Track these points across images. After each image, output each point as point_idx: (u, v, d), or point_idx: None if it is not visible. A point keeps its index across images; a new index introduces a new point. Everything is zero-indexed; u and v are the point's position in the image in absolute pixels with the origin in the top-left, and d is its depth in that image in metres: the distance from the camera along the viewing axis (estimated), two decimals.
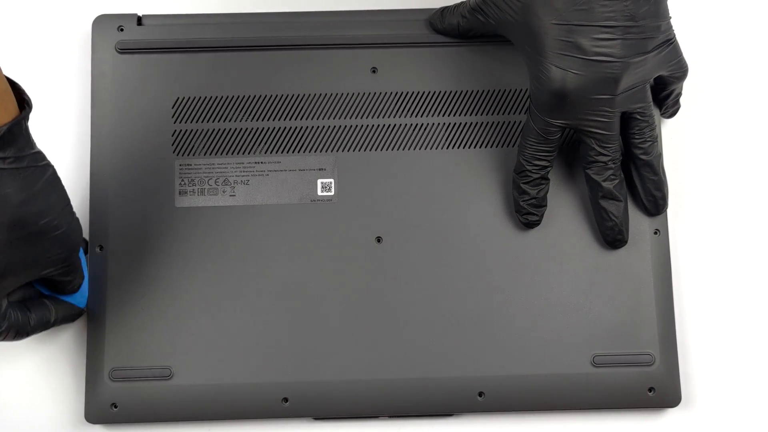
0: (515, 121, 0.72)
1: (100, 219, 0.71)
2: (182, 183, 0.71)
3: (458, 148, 0.72)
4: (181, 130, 0.72)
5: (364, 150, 0.72)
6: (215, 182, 0.72)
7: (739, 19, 0.77)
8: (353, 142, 0.72)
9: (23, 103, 0.60)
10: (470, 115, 0.72)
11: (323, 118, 0.72)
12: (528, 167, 0.69)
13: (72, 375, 0.71)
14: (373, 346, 0.69)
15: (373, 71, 0.73)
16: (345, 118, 0.72)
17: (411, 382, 0.69)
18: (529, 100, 0.69)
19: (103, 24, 0.73)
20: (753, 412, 0.71)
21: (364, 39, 0.73)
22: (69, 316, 0.68)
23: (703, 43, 0.76)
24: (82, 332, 0.71)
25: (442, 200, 0.71)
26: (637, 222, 0.71)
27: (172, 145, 0.72)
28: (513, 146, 0.72)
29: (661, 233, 0.71)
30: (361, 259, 0.70)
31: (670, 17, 0.66)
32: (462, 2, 0.72)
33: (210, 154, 0.72)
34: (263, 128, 0.72)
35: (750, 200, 0.74)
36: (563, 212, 0.71)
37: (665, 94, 0.71)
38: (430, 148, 0.72)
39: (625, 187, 0.70)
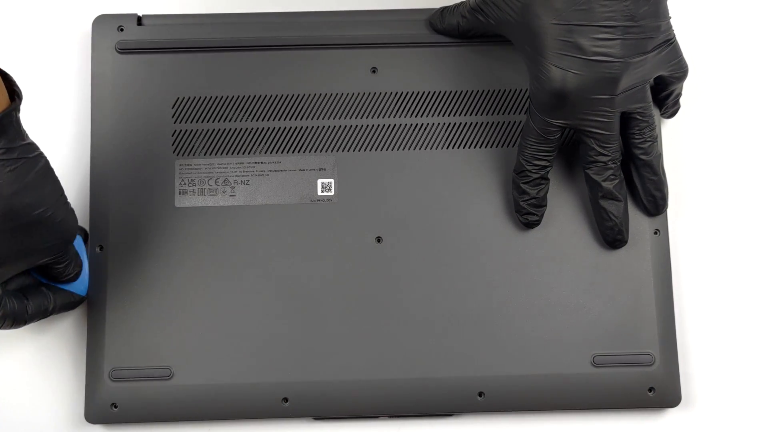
0: (515, 121, 0.72)
1: (100, 219, 0.71)
2: (182, 183, 0.71)
3: (458, 148, 0.72)
4: (181, 130, 0.72)
5: (364, 150, 0.72)
6: (215, 182, 0.72)
7: (739, 19, 0.77)
8: (353, 142, 0.72)
9: (14, 94, 0.60)
10: (470, 115, 0.72)
11: (323, 118, 0.72)
12: (528, 167, 0.69)
13: (72, 375, 0.71)
14: (373, 346, 0.69)
15: (373, 71, 0.73)
16: (345, 118, 0.72)
17: (411, 382, 0.69)
18: (529, 100, 0.69)
19: (103, 24, 0.73)
20: (753, 412, 0.71)
21: (364, 39, 0.73)
22: (68, 304, 0.68)
23: (703, 43, 0.76)
24: (82, 332, 0.71)
25: (442, 200, 0.71)
26: (637, 222, 0.71)
27: (172, 145, 0.72)
28: (513, 146, 0.72)
29: (661, 233, 0.71)
30: (361, 259, 0.70)
31: (670, 17, 0.66)
32: (462, 2, 0.72)
33: (210, 154, 0.72)
34: (263, 128, 0.72)
35: (750, 200, 0.74)
36: (563, 212, 0.71)
37: (665, 95, 0.71)
38: (430, 148, 0.72)
39: (625, 187, 0.70)
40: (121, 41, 0.73)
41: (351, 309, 0.70)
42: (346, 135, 0.72)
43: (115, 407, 0.69)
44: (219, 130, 0.72)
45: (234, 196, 0.71)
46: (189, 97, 0.72)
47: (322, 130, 0.72)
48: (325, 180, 0.72)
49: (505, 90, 0.73)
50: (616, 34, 0.63)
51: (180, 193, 0.71)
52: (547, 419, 0.71)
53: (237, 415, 0.69)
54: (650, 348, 0.69)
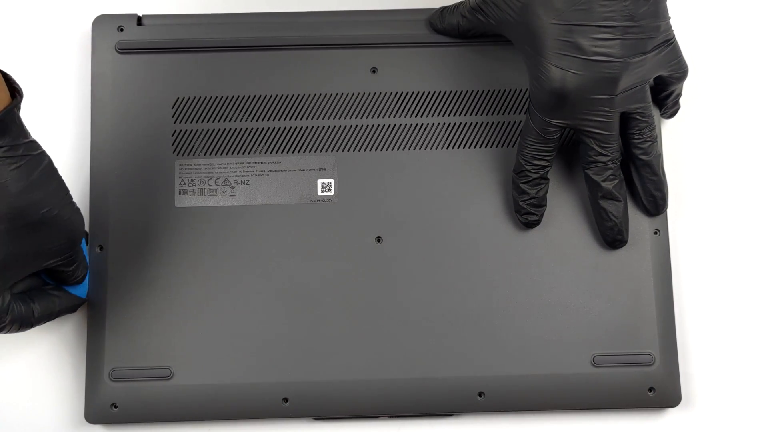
0: (515, 121, 0.72)
1: (100, 219, 0.71)
2: (182, 183, 0.71)
3: (458, 148, 0.72)
4: (181, 130, 0.72)
5: (364, 150, 0.72)
6: (215, 182, 0.72)
7: (739, 19, 0.77)
8: (353, 142, 0.72)
9: (14, 91, 0.60)
10: (470, 115, 0.72)
11: (323, 118, 0.72)
12: (527, 167, 0.69)
13: (72, 375, 0.71)
14: (373, 346, 0.69)
15: (373, 71, 0.73)
16: (345, 118, 0.72)
17: (411, 382, 0.69)
18: (528, 100, 0.69)
19: (103, 24, 0.73)
20: (753, 412, 0.71)
21: (364, 39, 0.73)
22: (71, 307, 0.68)
23: (703, 43, 0.76)
24: (82, 332, 0.71)
25: (442, 200, 0.71)
26: (637, 222, 0.71)
27: (172, 145, 0.72)
28: (513, 146, 0.72)
29: (661, 233, 0.71)
30: (361, 259, 0.70)
31: (670, 17, 0.66)
32: (462, 2, 0.72)
33: (210, 154, 0.72)
34: (263, 128, 0.72)
35: (750, 200, 0.74)
36: (563, 212, 0.71)
37: (665, 95, 0.71)
38: (430, 148, 0.72)
39: (625, 187, 0.70)
40: (121, 41, 0.73)
41: (351, 309, 0.70)
42: (346, 135, 0.72)
43: (115, 407, 0.69)
44: (219, 130, 0.72)
45: (234, 196, 0.71)
46: (189, 97, 0.72)
47: (322, 130, 0.72)
48: (325, 180, 0.72)
49: (505, 90, 0.73)
50: (615, 34, 0.63)
51: (180, 193, 0.71)
52: (547, 419, 0.71)
53: (237, 415, 0.69)
54: (650, 348, 0.69)
